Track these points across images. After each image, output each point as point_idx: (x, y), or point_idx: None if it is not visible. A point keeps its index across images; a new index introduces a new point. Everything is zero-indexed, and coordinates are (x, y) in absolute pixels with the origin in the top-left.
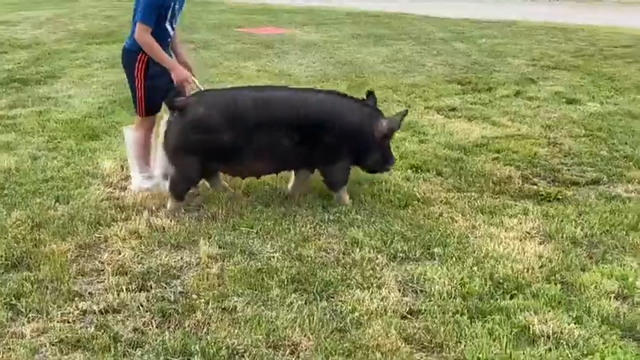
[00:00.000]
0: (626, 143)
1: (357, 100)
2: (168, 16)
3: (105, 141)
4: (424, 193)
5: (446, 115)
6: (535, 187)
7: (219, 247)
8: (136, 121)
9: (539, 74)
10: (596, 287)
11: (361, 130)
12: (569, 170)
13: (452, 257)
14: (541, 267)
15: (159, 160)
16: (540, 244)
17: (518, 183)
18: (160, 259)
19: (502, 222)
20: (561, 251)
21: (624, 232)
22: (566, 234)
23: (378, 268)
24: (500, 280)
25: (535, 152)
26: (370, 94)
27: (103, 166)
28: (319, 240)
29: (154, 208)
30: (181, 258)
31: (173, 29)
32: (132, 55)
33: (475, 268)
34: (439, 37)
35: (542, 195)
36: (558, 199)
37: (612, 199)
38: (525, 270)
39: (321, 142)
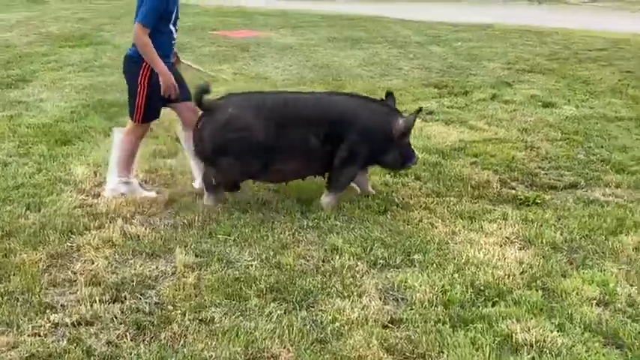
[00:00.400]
0: (602, 147)
1: (376, 101)
2: (172, 18)
3: (77, 146)
4: (403, 199)
5: (423, 119)
6: (513, 191)
7: (196, 256)
8: (128, 125)
9: (515, 77)
10: (577, 293)
11: (380, 129)
12: (546, 174)
13: (432, 264)
14: (522, 273)
15: (194, 168)
16: (520, 249)
17: (497, 187)
18: (135, 269)
19: (482, 227)
20: (542, 257)
21: (603, 237)
22: (546, 239)
23: (358, 275)
24: (482, 287)
25: (513, 156)
26: (389, 94)
27: (76, 172)
28: (298, 247)
29: (128, 216)
30: (157, 267)
31: (176, 31)
32: (136, 62)
33: (456, 275)
34: (415, 40)
35: (520, 199)
36: (537, 203)
37: (590, 203)
38: (506, 276)
39: (344, 143)
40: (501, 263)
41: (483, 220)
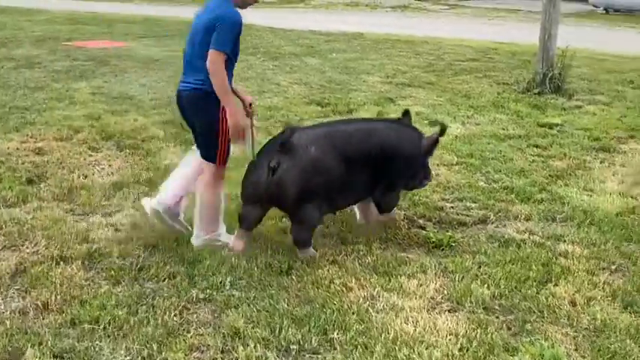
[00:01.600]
0: (500, 171)
1: (406, 124)
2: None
3: None
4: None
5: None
6: (423, 231)
7: (54, 358)
8: (207, 171)
9: (397, 93)
10: None
11: (417, 154)
12: (452, 208)
13: (356, 345)
14: (461, 350)
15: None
16: (450, 313)
17: (405, 227)
18: None
19: (401, 286)
20: (477, 324)
21: (534, 290)
22: (475, 297)
23: None
24: None
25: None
26: (406, 113)
27: None
28: (189, 333)
29: None
30: None
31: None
32: (211, 96)
33: None
34: (289, 51)
35: (433, 242)
36: (451, 246)
37: (506, 243)
38: (445, 357)
39: (392, 168)
40: (435, 338)
41: (401, 275)
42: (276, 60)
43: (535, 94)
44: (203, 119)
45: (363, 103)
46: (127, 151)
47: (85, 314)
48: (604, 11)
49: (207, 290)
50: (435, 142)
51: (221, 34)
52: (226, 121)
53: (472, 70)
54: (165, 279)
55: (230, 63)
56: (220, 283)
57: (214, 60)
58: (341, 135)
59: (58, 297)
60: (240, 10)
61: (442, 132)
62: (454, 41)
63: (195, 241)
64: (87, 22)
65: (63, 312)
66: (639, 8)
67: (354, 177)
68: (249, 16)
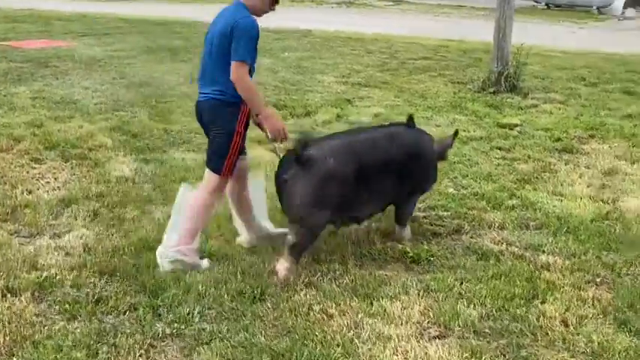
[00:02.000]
0: (467, 176)
1: (420, 129)
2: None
3: None
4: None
5: (270, 149)
6: (399, 245)
7: None
8: (210, 181)
9: (354, 93)
10: None
11: (434, 159)
12: (425, 218)
13: None
14: None
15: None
16: (440, 340)
17: (379, 241)
18: None
19: (385, 310)
20: (470, 352)
21: (523, 309)
22: (462, 319)
23: None
24: None
25: None
26: (411, 118)
27: None
28: None
29: None
30: None
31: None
32: (231, 107)
33: None
34: None
35: (410, 257)
36: (429, 260)
37: (485, 255)
38: None
39: (412, 176)
40: None
41: (383, 297)
42: None
43: (491, 93)
44: (219, 127)
45: (320, 105)
46: (74, 161)
47: (38, 358)
48: (545, 7)
49: (175, 324)
50: (448, 147)
51: (241, 44)
52: (240, 134)
53: (426, 68)
54: (126, 311)
55: (251, 70)
56: (188, 314)
57: (238, 71)
58: (360, 143)
59: (7, 337)
60: (256, 18)
61: (455, 136)
62: (404, 39)
63: (161, 254)
64: (23, 20)
65: (13, 355)
66: (580, 4)
67: (377, 183)
68: (196, 13)
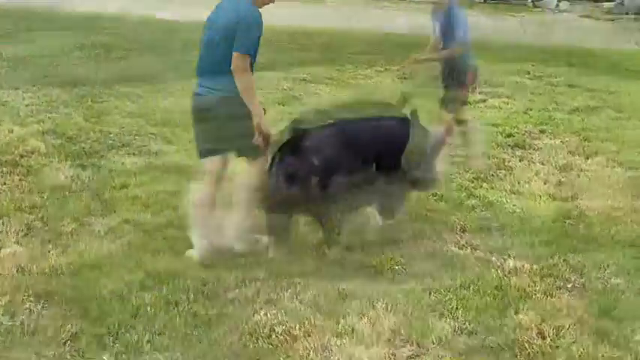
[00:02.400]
0: None
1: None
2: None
3: None
4: (233, 287)
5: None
6: (358, 255)
7: None
8: (258, 166)
9: (300, 90)
10: None
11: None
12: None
13: None
14: None
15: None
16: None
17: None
18: None
19: (353, 329)
20: None
21: (498, 322)
22: (436, 335)
23: None
24: None
25: None
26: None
27: None
28: None
29: None
30: None
31: None
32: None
33: None
34: (166, 45)
35: (373, 266)
36: (393, 269)
37: (450, 261)
38: None
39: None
40: None
41: (349, 314)
42: (166, 56)
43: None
44: (241, 119)
45: (270, 103)
46: (4, 169)
47: None
48: (482, 0)
49: (122, 355)
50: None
51: (244, 36)
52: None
53: (370, 62)
54: (66, 342)
55: (252, 64)
56: (137, 343)
57: (239, 63)
58: (352, 131)
59: None
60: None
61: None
62: (344, 31)
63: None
64: None
65: None
66: None
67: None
68: (126, 5)
